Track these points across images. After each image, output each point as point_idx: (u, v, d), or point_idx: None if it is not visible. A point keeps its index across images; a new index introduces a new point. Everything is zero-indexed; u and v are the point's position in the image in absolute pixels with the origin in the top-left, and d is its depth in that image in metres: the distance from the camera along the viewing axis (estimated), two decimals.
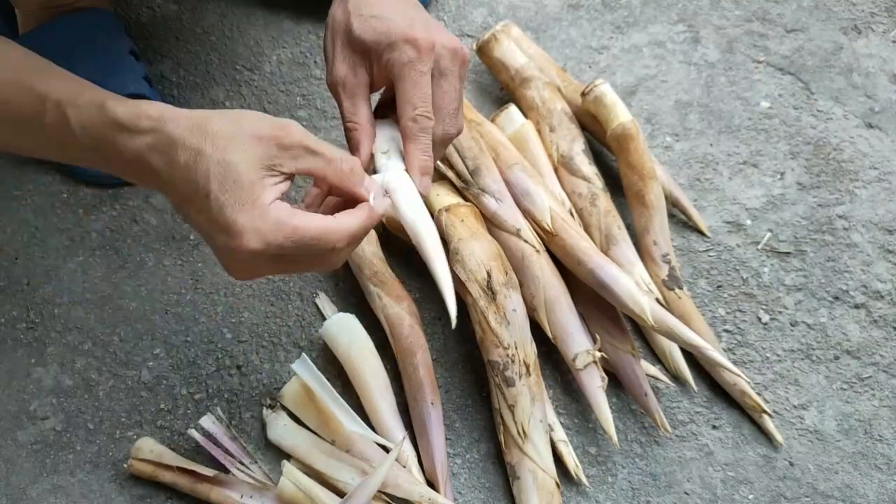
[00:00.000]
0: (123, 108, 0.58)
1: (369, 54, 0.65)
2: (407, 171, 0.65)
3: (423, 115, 0.64)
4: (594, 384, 0.77)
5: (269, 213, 0.56)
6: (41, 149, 0.64)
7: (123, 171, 0.61)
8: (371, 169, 0.66)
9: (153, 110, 0.58)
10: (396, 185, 0.64)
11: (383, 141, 0.67)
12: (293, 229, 0.57)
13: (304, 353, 0.78)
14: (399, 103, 0.65)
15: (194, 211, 0.58)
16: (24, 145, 0.65)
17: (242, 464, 0.77)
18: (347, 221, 0.60)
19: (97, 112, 0.58)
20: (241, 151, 0.56)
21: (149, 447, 0.76)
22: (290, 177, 0.59)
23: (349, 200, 0.63)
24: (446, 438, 0.79)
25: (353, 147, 0.66)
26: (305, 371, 0.77)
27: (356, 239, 0.61)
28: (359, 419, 0.76)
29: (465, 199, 0.83)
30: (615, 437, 0.75)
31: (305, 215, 0.58)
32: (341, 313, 0.82)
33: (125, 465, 0.77)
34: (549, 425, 0.77)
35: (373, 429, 0.78)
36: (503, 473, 0.78)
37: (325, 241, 0.58)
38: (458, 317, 0.83)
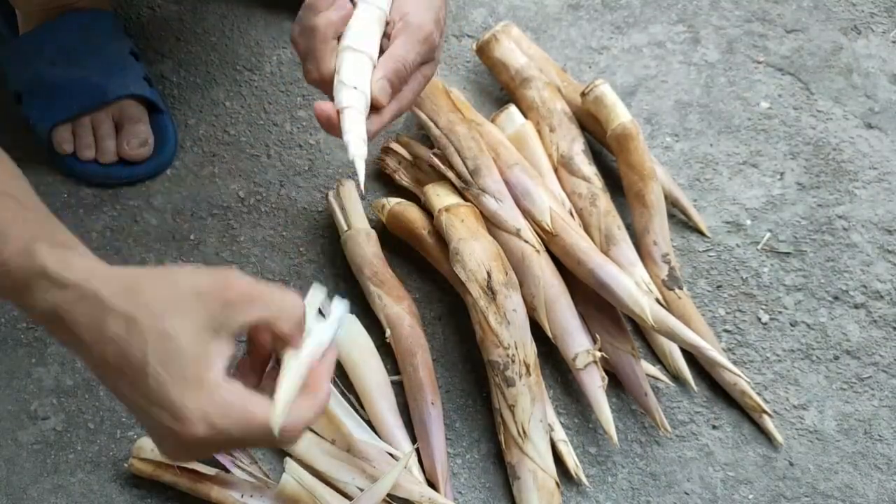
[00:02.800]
0: (55, 256, 0.51)
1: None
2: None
3: (401, 60, 0.68)
4: (594, 384, 0.77)
5: (217, 395, 0.50)
6: None
7: (39, 321, 0.53)
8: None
9: (83, 264, 0.51)
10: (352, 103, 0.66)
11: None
12: (244, 415, 0.50)
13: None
14: (397, 44, 0.68)
15: (124, 384, 0.51)
16: None
17: (243, 462, 0.77)
18: (304, 409, 0.53)
19: (25, 254, 0.51)
20: (181, 317, 0.50)
21: (150, 446, 0.76)
22: (236, 336, 0.52)
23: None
24: (446, 438, 0.79)
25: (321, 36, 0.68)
26: None
27: (310, 425, 0.56)
28: (366, 426, 0.76)
29: (465, 199, 0.83)
30: (615, 437, 0.75)
31: (258, 399, 0.52)
32: None
33: (126, 465, 0.77)
34: (550, 425, 0.77)
35: (373, 429, 0.78)
36: (503, 473, 0.78)
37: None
38: (458, 317, 0.84)
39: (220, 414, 0.49)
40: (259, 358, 0.58)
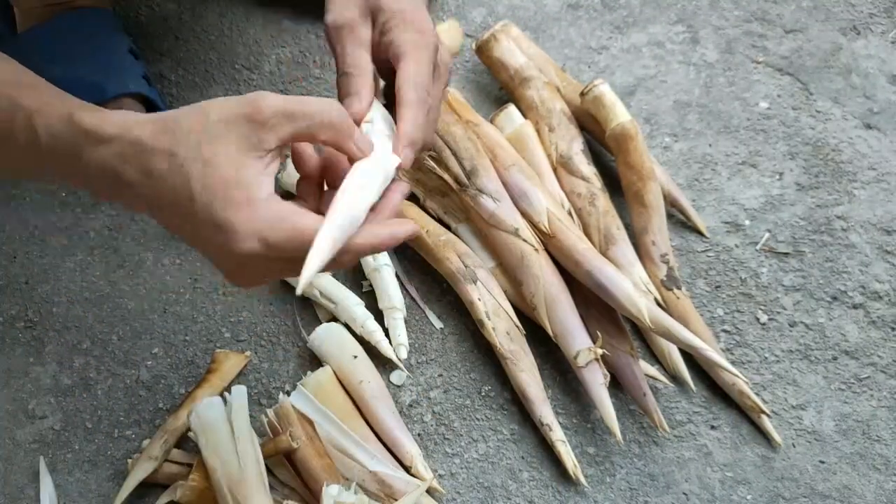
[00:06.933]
0: (90, 116, 0.54)
1: (377, 21, 0.63)
2: (395, 142, 0.60)
3: (424, 91, 0.61)
4: (596, 382, 0.77)
5: (265, 209, 0.51)
6: (15, 166, 0.59)
7: (96, 185, 0.56)
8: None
9: (118, 117, 0.54)
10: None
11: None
12: (294, 230, 0.52)
13: (299, 385, 0.77)
14: (400, 79, 0.61)
15: (179, 219, 0.54)
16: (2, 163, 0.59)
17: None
18: (364, 235, 0.54)
19: (66, 122, 0.54)
20: (217, 143, 0.52)
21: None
22: (278, 152, 0.54)
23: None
24: (445, 438, 0.79)
25: (350, 93, 0.61)
26: (306, 405, 0.76)
27: (371, 252, 0.56)
28: (371, 450, 0.75)
29: (462, 200, 0.83)
30: (619, 434, 0.75)
31: (308, 215, 0.53)
32: (326, 324, 0.82)
33: (126, 464, 0.77)
34: (548, 425, 0.77)
35: (376, 432, 0.78)
36: (502, 473, 0.78)
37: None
38: (458, 317, 0.84)
39: (270, 227, 0.51)
40: (309, 177, 0.59)
